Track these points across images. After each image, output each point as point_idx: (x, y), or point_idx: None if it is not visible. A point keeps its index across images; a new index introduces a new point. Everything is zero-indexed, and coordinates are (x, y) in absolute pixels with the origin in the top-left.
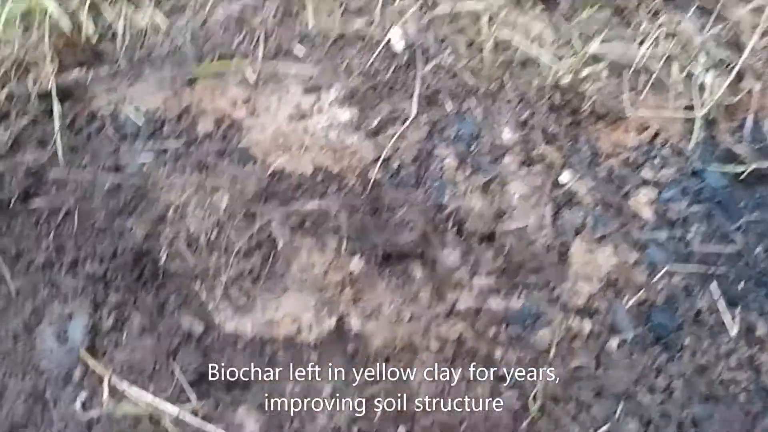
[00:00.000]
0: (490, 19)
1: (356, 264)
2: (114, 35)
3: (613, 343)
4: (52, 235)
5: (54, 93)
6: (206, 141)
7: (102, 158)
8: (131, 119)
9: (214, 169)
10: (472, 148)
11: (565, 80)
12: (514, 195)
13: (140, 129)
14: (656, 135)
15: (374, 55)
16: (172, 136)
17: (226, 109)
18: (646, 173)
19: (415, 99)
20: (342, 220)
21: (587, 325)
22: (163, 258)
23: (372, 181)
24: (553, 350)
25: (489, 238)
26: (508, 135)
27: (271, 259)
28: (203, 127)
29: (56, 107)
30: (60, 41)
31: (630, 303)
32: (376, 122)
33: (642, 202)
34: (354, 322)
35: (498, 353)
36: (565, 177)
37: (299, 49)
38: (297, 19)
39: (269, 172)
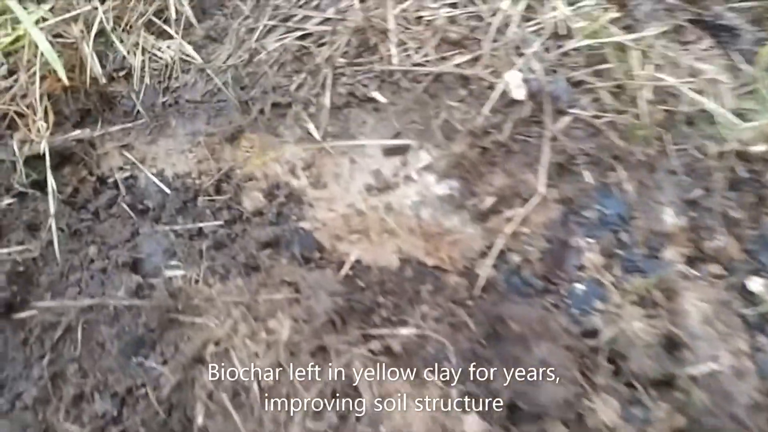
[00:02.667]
0: (644, 55)
1: (473, 424)
2: (129, 74)
3: None
4: (46, 359)
5: (47, 157)
6: (254, 219)
7: (114, 247)
8: (154, 188)
9: (269, 273)
10: (622, 236)
11: (756, 147)
12: (689, 313)
13: (165, 201)
14: None
15: (484, 106)
16: (208, 213)
17: (280, 175)
18: None
19: (542, 167)
20: (448, 349)
21: None
22: (200, 418)
23: (483, 281)
24: None
25: (664, 383)
26: (670, 219)
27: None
28: (250, 201)
29: (50, 180)
30: (56, 84)
31: None
32: (486, 199)
33: None
34: None
35: None
36: (755, 284)
37: (379, 95)
38: (376, 54)
39: (344, 272)
